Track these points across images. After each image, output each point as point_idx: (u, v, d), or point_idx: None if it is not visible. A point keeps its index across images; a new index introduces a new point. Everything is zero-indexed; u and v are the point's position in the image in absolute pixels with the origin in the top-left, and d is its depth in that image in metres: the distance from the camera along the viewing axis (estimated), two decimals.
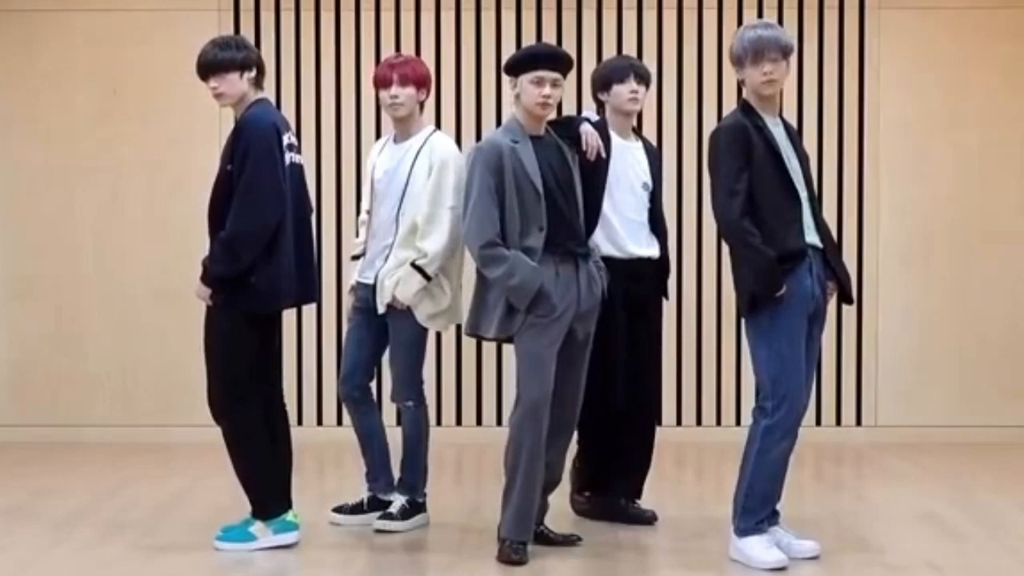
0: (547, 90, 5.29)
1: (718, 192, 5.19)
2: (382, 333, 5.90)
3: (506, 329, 5.27)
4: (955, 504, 6.41)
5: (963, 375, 8.25)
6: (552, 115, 5.50)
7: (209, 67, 5.39)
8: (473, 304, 5.39)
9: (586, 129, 5.57)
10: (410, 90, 5.83)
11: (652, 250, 5.96)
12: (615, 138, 5.90)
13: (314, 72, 8.18)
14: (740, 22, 8.08)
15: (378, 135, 7.95)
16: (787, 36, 5.25)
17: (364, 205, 6.06)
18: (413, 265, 5.71)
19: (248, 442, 5.43)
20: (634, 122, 6.09)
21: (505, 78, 8.22)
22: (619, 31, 8.18)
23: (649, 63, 7.97)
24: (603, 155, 5.63)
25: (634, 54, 8.07)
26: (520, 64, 5.34)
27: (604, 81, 5.94)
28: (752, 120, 5.21)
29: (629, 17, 8.19)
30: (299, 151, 5.56)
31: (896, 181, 8.22)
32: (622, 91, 5.91)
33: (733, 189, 5.12)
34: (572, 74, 5.98)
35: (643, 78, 5.96)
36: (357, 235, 6.18)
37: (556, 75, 5.31)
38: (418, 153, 5.81)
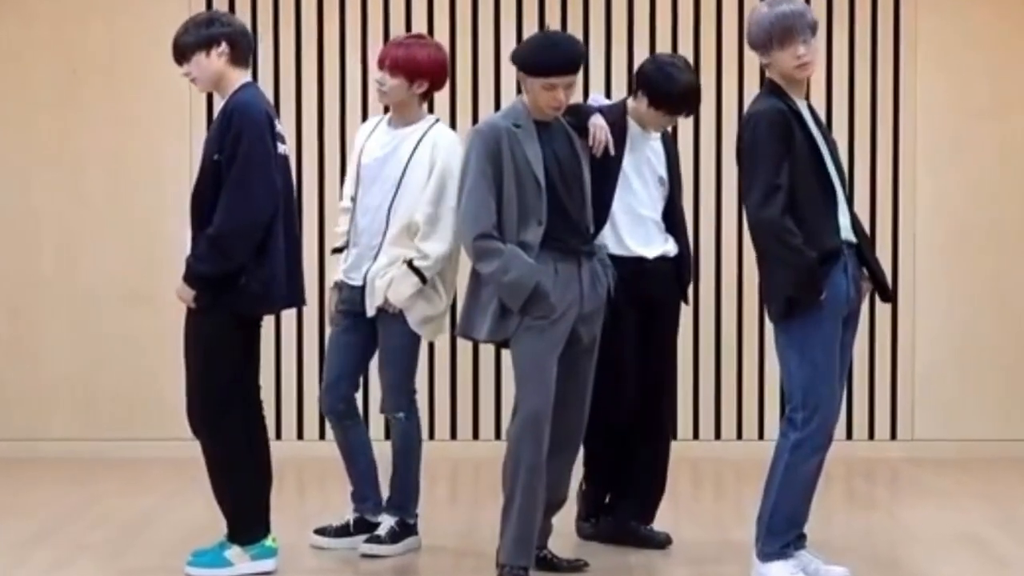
0: (559, 95, 5.27)
1: (755, 187, 5.13)
2: (370, 338, 5.90)
3: (500, 332, 5.26)
4: (998, 525, 6.42)
5: (1008, 384, 8.24)
6: None
7: (176, 53, 5.42)
8: (465, 302, 5.38)
9: (595, 123, 5.56)
10: (397, 80, 5.78)
11: (666, 247, 5.96)
12: (633, 128, 5.90)
13: (294, 51, 8.18)
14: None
15: (364, 121, 7.95)
16: (811, 10, 5.23)
17: (348, 191, 6.02)
18: (410, 266, 5.71)
19: (230, 458, 5.43)
20: None
21: (507, 62, 8.22)
22: (630, 12, 8.18)
23: (663, 46, 8.00)
24: (611, 152, 5.63)
25: (647, 36, 8.09)
26: (530, 68, 5.28)
27: (654, 99, 5.80)
28: (788, 104, 5.19)
29: None
30: (285, 141, 5.57)
31: (934, 170, 8.22)
32: (660, 119, 5.87)
33: (773, 184, 5.08)
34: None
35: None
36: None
37: (571, 78, 5.29)
38: (418, 143, 5.78)
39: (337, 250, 6.04)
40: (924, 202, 8.22)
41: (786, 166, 5.11)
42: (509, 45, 8.04)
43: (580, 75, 5.39)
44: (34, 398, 8.20)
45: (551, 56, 5.28)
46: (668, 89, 5.80)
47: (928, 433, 8.23)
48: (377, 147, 5.89)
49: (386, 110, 6.21)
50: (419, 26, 8.09)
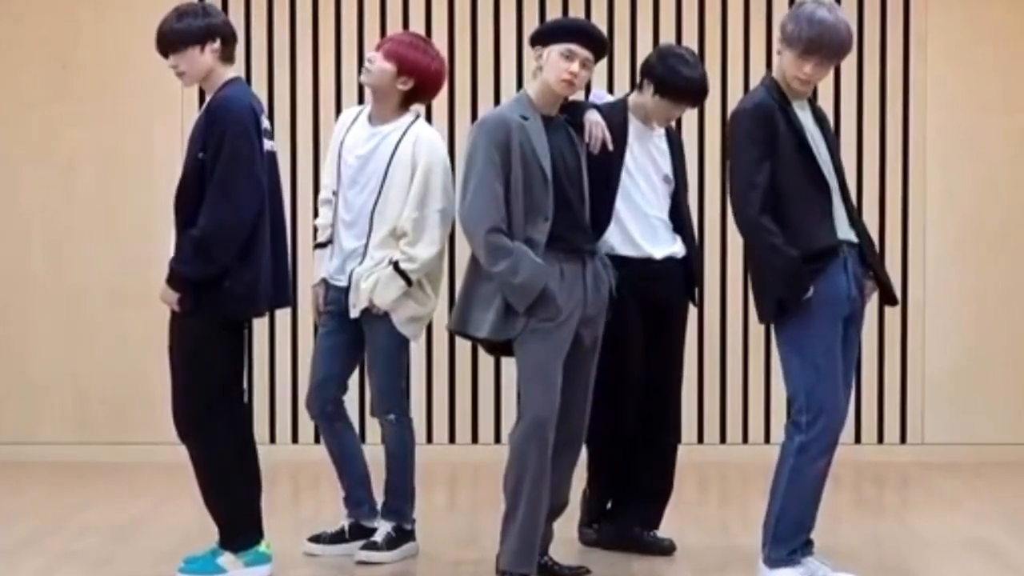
0: (575, 67, 5.25)
1: (736, 183, 5.21)
2: (357, 340, 5.88)
3: (503, 331, 5.23)
4: (1010, 531, 6.41)
5: (1021, 386, 8.23)
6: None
7: (165, 42, 5.37)
8: (462, 297, 5.34)
9: (591, 119, 5.55)
10: (386, 66, 5.74)
11: (674, 248, 5.94)
12: (636, 125, 5.89)
13: (289, 47, 8.17)
14: None
15: None
16: (850, 37, 5.19)
17: (328, 182, 5.98)
18: (397, 269, 5.69)
19: (219, 463, 5.41)
20: None
21: (510, 58, 8.19)
22: (632, 7, 8.17)
23: (667, 41, 7.97)
24: (609, 148, 5.61)
25: (650, 33, 8.07)
26: (552, 33, 5.33)
27: (659, 86, 5.81)
28: (778, 101, 5.21)
29: None
30: (272, 137, 5.55)
31: (944, 167, 8.20)
32: (665, 108, 5.85)
33: (753, 181, 5.12)
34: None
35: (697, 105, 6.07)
36: (316, 215, 6.13)
37: (589, 55, 5.29)
38: (398, 143, 5.76)
39: (321, 245, 6.01)
40: (934, 199, 8.21)
41: (768, 164, 5.14)
42: (509, 44, 8.08)
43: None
44: (23, 400, 8.19)
45: (575, 23, 5.48)
46: (674, 76, 5.81)
47: (938, 436, 8.22)
48: (358, 144, 5.85)
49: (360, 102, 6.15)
50: (417, 24, 8.08)
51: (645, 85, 5.87)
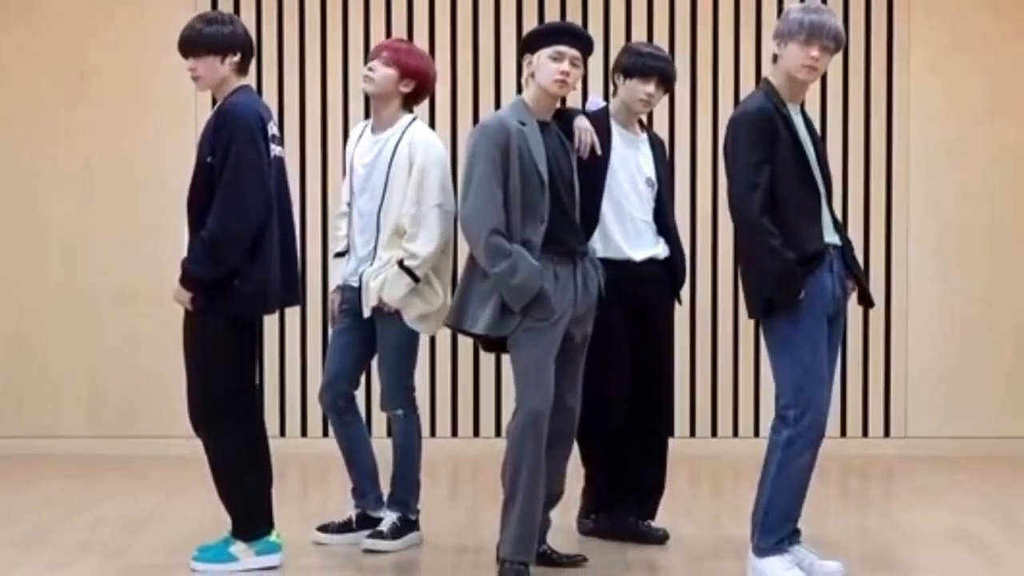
0: (566, 66, 5.31)
1: (736, 184, 5.22)
2: (370, 337, 5.95)
3: (498, 328, 5.27)
4: (993, 523, 6.43)
5: (1002, 382, 8.27)
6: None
7: (189, 45, 5.42)
8: (459, 293, 5.37)
9: (580, 125, 5.59)
10: (389, 71, 5.84)
11: (656, 250, 6.00)
12: (619, 129, 5.97)
13: (298, 54, 8.22)
14: (758, 4, 8.16)
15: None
16: (841, 30, 5.27)
17: (344, 196, 6.11)
18: (402, 266, 5.78)
19: (234, 455, 5.47)
20: (643, 116, 6.16)
21: (510, 62, 8.23)
22: (627, 13, 8.21)
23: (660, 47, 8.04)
24: (597, 152, 5.67)
25: (644, 38, 8.07)
26: (539, 38, 5.38)
27: (626, 70, 5.94)
28: (776, 106, 5.25)
29: None
30: (281, 142, 5.61)
31: (928, 174, 8.23)
32: (637, 90, 5.91)
33: (753, 182, 5.14)
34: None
35: (667, 84, 6.00)
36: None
37: (577, 53, 5.34)
38: (396, 145, 5.84)
39: (339, 254, 6.11)
40: (918, 205, 8.23)
41: (768, 167, 5.16)
42: (509, 45, 8.07)
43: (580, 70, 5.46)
44: (41, 396, 8.23)
45: (558, 25, 5.65)
46: (635, 55, 5.94)
47: (922, 430, 8.25)
48: (364, 153, 5.95)
49: (366, 115, 6.23)
50: (420, 27, 8.13)
51: (616, 79, 5.98)
